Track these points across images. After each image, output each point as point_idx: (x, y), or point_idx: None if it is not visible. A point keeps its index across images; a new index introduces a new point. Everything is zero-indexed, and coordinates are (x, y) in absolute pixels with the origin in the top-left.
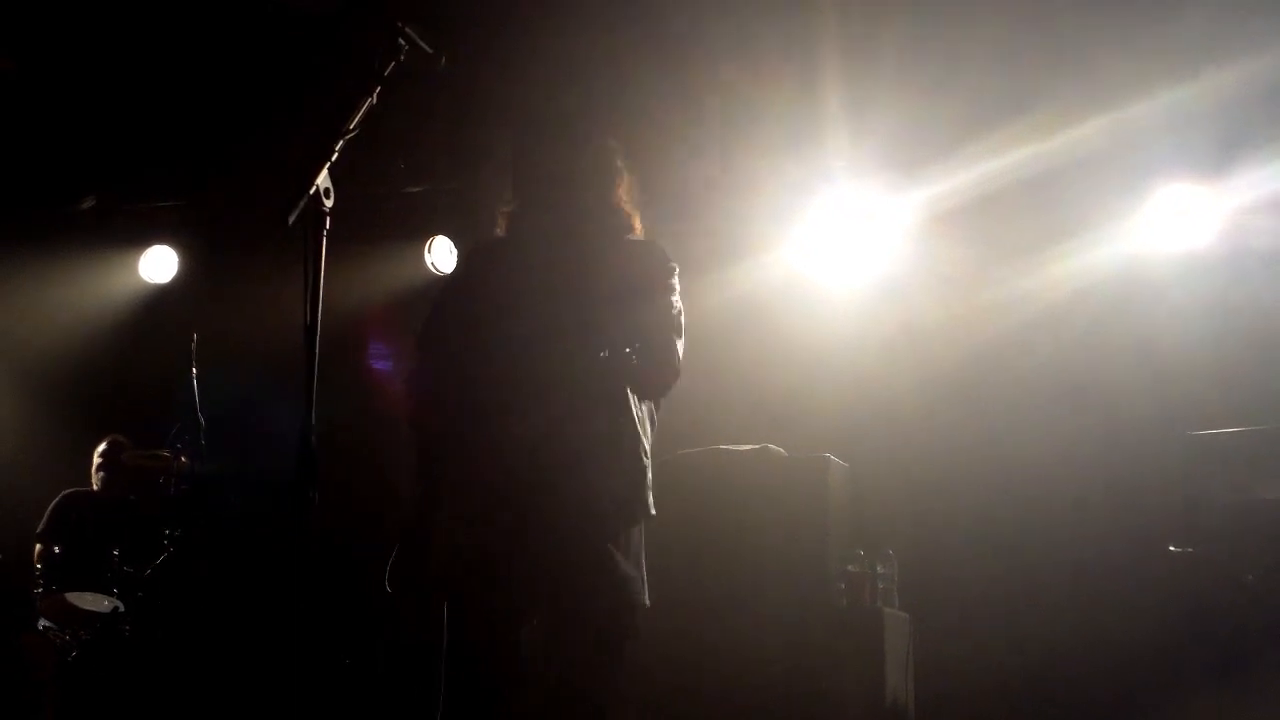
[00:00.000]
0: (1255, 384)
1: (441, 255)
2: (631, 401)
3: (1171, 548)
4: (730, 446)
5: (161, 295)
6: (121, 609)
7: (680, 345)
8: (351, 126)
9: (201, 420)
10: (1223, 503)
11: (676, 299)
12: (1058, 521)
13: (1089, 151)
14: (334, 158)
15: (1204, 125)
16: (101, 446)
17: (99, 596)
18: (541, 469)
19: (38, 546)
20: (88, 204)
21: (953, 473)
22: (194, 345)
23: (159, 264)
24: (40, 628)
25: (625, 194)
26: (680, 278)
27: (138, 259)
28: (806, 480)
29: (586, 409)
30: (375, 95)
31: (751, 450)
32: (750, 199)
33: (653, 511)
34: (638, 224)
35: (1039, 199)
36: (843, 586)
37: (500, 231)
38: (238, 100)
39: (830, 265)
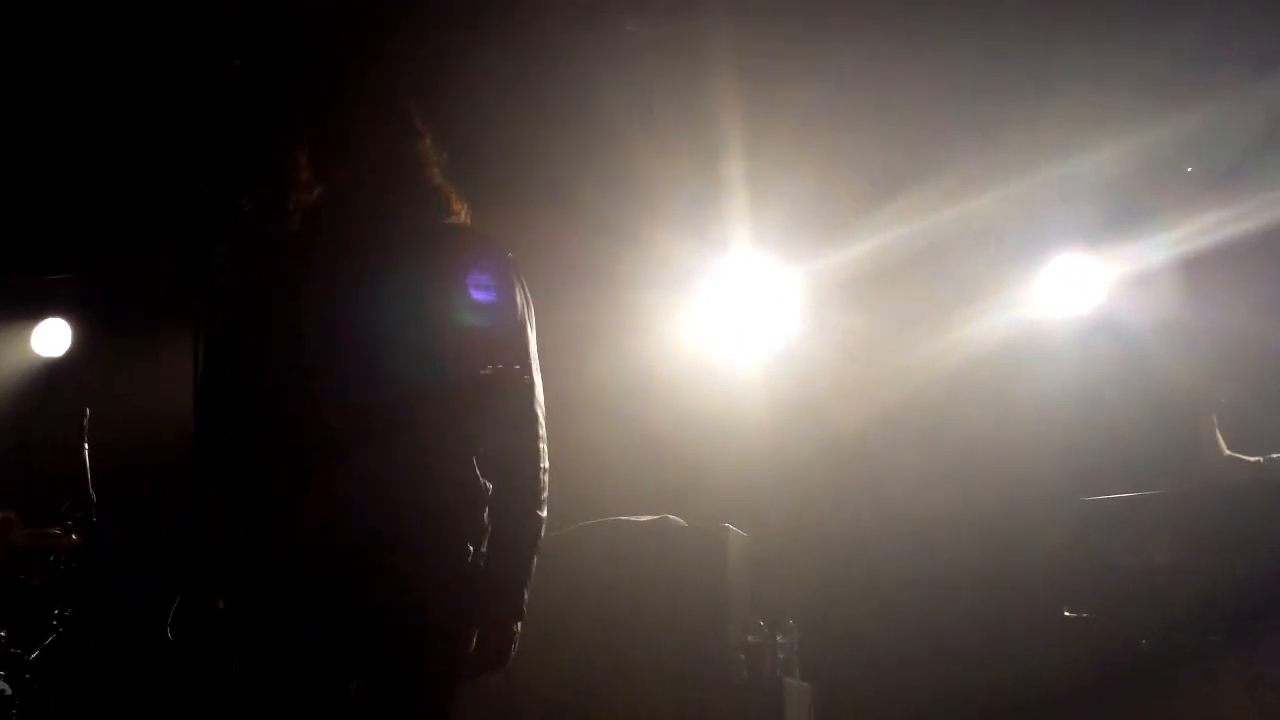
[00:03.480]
0: (1146, 449)
1: None
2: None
3: (1066, 612)
4: (630, 517)
5: (54, 369)
6: (8, 692)
7: (536, 369)
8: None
9: (93, 496)
10: (1117, 567)
11: (521, 302)
12: (956, 588)
13: (983, 221)
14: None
15: (1094, 197)
16: None
17: None
18: (371, 522)
19: None
20: None
21: (852, 541)
22: (86, 420)
23: (52, 337)
24: None
25: (438, 170)
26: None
27: (30, 332)
28: (706, 551)
29: (422, 448)
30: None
31: (651, 521)
32: (650, 268)
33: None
34: (459, 205)
35: (935, 268)
36: (743, 657)
37: (288, 224)
38: (132, 172)
39: (730, 334)
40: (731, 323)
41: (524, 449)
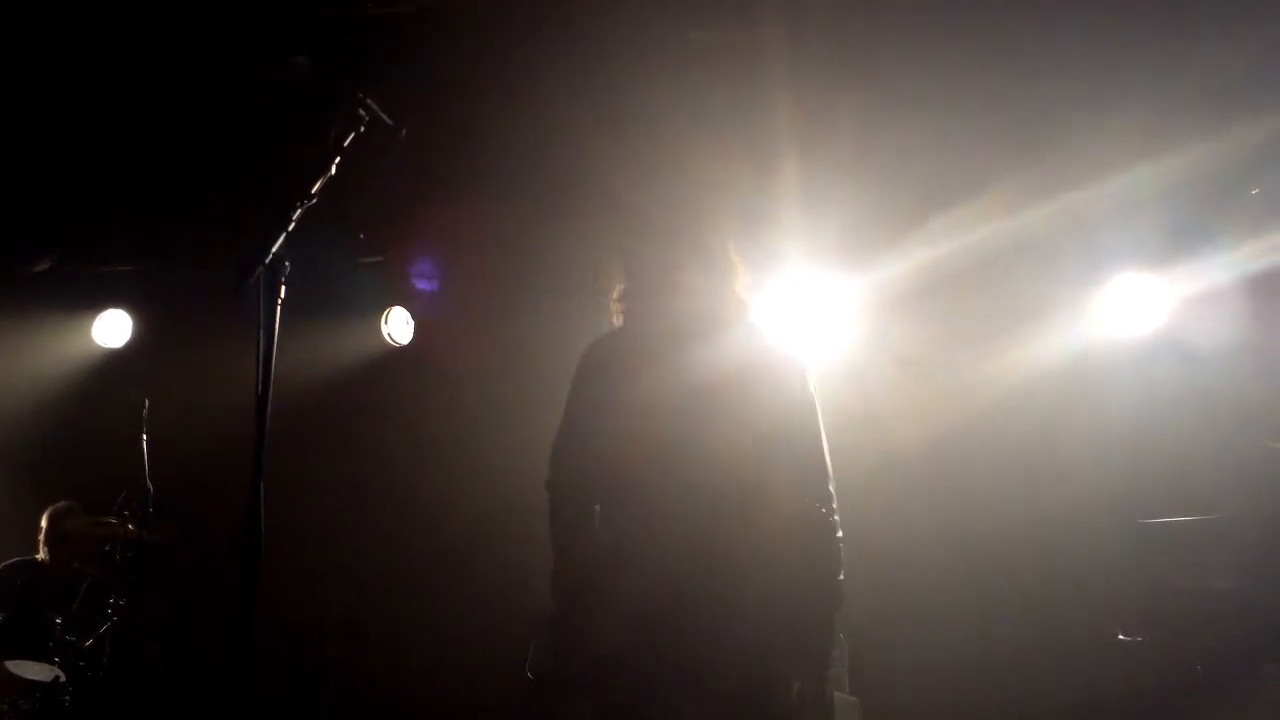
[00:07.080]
0: (1206, 472)
1: (398, 326)
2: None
3: (1121, 635)
4: None
5: (114, 359)
6: (62, 678)
7: (828, 461)
8: (309, 195)
9: (150, 487)
10: (1173, 591)
11: (814, 402)
12: (1010, 607)
13: (1042, 238)
14: (291, 227)
15: (1153, 215)
16: (48, 513)
17: (40, 665)
18: (691, 584)
19: None
20: (43, 266)
21: (906, 557)
22: (145, 411)
23: (113, 328)
24: None
25: (743, 286)
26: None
27: (91, 322)
28: None
29: (739, 513)
30: (334, 166)
31: None
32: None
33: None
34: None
35: (994, 284)
36: None
37: (618, 322)
38: (196, 165)
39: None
40: (787, 334)
41: (824, 524)
